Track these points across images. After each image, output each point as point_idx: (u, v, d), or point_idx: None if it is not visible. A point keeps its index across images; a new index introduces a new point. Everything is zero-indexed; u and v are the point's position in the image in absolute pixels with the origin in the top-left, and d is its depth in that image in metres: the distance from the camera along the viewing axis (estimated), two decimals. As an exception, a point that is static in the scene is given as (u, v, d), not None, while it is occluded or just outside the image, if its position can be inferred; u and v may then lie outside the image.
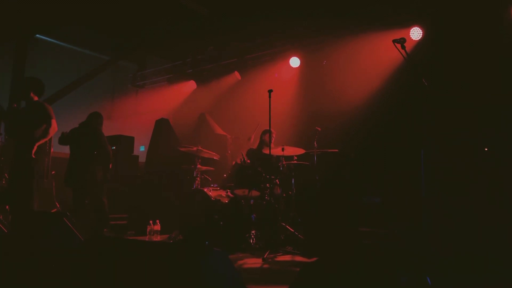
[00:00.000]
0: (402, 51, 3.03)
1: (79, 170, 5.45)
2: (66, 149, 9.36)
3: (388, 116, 5.91)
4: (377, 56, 6.34)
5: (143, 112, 10.35)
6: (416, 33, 6.13)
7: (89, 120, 5.76)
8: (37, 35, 9.30)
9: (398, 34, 6.19)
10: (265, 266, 3.77)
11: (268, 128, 4.96)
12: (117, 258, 2.56)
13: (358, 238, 3.91)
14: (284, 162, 5.48)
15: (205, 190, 5.35)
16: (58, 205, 7.48)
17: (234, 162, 5.92)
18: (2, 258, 3.19)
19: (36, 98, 4.85)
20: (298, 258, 4.15)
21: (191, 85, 9.32)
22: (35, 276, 2.89)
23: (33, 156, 4.54)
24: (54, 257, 2.92)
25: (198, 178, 5.85)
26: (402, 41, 3.05)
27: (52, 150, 7.03)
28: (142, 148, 9.80)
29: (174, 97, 9.59)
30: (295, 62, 7.54)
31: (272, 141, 5.59)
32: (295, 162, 5.49)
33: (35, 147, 4.58)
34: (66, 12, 8.07)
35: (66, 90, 9.34)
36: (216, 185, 5.78)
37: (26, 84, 4.87)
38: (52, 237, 3.14)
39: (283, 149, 5.26)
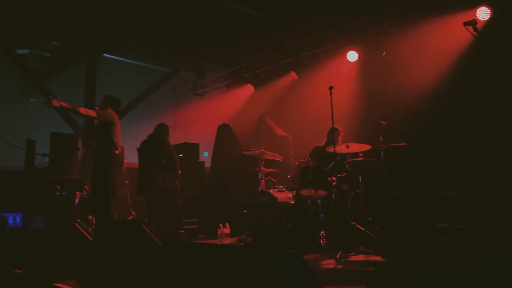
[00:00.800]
0: (475, 33, 2.83)
1: (151, 180, 5.75)
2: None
3: (460, 104, 5.55)
4: (441, 41, 5.98)
5: (205, 119, 10.66)
6: (483, 13, 5.69)
7: (156, 132, 6.07)
8: (104, 55, 9.95)
9: (463, 16, 5.82)
10: (339, 266, 3.70)
11: (337, 127, 4.87)
12: (193, 262, 2.65)
13: (435, 235, 3.71)
14: (349, 160, 5.35)
15: (271, 191, 5.37)
16: (134, 213, 7.92)
17: (297, 162, 5.89)
18: (89, 264, 3.44)
19: (112, 112, 5.19)
20: (373, 258, 4.02)
21: (249, 89, 9.44)
22: (119, 279, 3.07)
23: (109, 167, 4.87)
24: (135, 262, 3.09)
25: (263, 181, 5.89)
26: (473, 23, 2.84)
27: (125, 160, 7.48)
28: (206, 154, 10.09)
29: (234, 102, 9.76)
30: (352, 56, 7.35)
31: (339, 139, 5.49)
32: (361, 158, 5.34)
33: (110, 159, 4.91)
34: (127, 30, 8.57)
35: (133, 104, 9.90)
36: (281, 186, 5.79)
37: (103, 101, 5.23)
38: (132, 243, 3.32)
39: (347, 146, 5.14)
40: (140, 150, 6.12)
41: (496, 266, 2.16)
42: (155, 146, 5.99)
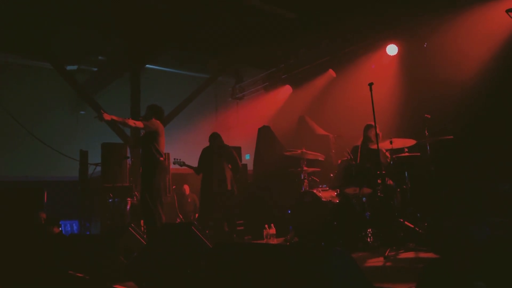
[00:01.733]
0: (518, 19, 2.72)
1: (219, 183, 6.11)
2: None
3: (506, 93, 5.30)
4: (484, 30, 5.73)
5: (245, 122, 10.80)
6: (531, -4, 5.41)
7: (218, 139, 6.43)
8: (147, 65, 10.35)
9: (506, 3, 5.54)
10: (388, 264, 3.65)
11: (372, 123, 4.81)
12: (243, 262, 2.73)
13: (488, 230, 3.55)
14: (394, 156, 5.26)
15: (315, 191, 5.38)
16: (181, 217, 8.18)
17: (339, 161, 5.86)
18: (145, 267, 3.61)
19: (156, 121, 5.41)
20: (423, 255, 3.93)
21: (287, 90, 9.47)
22: (173, 280, 3.21)
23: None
24: (186, 263, 3.22)
25: (306, 181, 5.91)
26: (518, 9, 2.73)
27: (170, 166, 7.74)
28: (247, 157, 10.23)
29: (273, 104, 9.83)
30: (392, 49, 7.19)
31: (380, 135, 5.39)
32: (406, 154, 5.22)
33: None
34: (165, 40, 8.87)
35: (176, 111, 10.20)
36: (325, 185, 5.78)
37: (148, 110, 5.46)
38: (183, 245, 3.45)
39: (391, 142, 5.05)
40: (204, 156, 6.46)
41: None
42: (223, 151, 6.47)
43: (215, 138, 6.58)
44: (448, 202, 4.89)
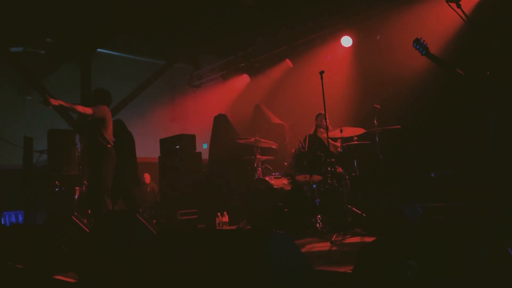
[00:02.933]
0: (459, 10, 2.81)
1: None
2: (139, 153, 9.98)
3: (451, 85, 5.53)
4: (435, 22, 5.93)
5: (202, 110, 10.66)
6: (476, -8, 5.65)
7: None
8: (99, 50, 9.92)
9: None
10: (334, 248, 3.73)
11: (322, 112, 4.87)
12: (187, 248, 2.68)
13: (420, 211, 3.70)
14: (344, 144, 5.36)
15: (267, 179, 5.40)
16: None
17: (293, 150, 5.91)
18: (87, 254, 3.48)
19: (105, 107, 5.21)
20: (368, 239, 4.05)
21: (244, 78, 9.42)
22: (117, 267, 3.11)
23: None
24: (131, 250, 3.13)
25: (260, 168, 5.92)
26: (456, 0, 2.82)
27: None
28: (205, 146, 10.11)
29: (230, 92, 9.76)
30: (347, 41, 7.31)
31: (325, 123, 5.48)
32: (355, 142, 5.34)
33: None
34: (119, 24, 8.53)
35: (130, 98, 9.90)
36: (278, 173, 5.81)
37: (94, 96, 5.24)
38: (127, 232, 3.36)
39: (341, 131, 5.14)
40: None
41: (484, 241, 2.17)
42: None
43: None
44: (392, 188, 5.06)
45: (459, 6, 2.81)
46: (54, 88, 9.22)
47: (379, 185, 5.19)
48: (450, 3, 2.83)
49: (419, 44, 3.22)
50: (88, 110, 4.96)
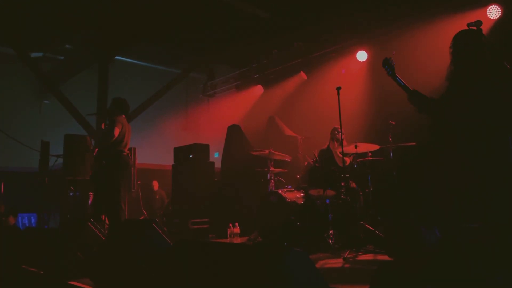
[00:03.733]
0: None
1: None
2: (150, 160, 10.04)
3: (468, 103, 5.51)
4: (450, 41, 5.94)
5: (215, 120, 10.74)
6: (494, 12, 5.67)
7: None
8: (117, 57, 10.10)
9: (474, 15, 5.78)
10: (346, 265, 3.73)
11: (337, 127, 4.89)
12: (202, 260, 2.71)
13: (438, 234, 3.67)
14: (358, 160, 5.37)
15: (280, 192, 5.42)
16: (145, 213, 8.04)
17: (306, 163, 5.93)
18: (103, 262, 3.52)
19: (123, 116, 5.29)
20: (381, 257, 4.04)
21: (258, 89, 9.50)
22: (132, 277, 3.15)
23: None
24: (146, 260, 3.17)
25: (272, 181, 5.94)
26: (478, 24, 2.85)
27: (137, 161, 7.60)
28: (216, 155, 10.18)
29: (244, 103, 9.82)
30: (362, 56, 7.34)
31: (340, 137, 5.50)
32: (370, 158, 5.35)
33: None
34: (136, 32, 8.69)
35: (144, 106, 10.02)
36: (290, 186, 5.82)
37: (113, 105, 5.33)
38: (143, 242, 3.39)
39: (356, 146, 5.15)
40: None
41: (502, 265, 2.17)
42: None
43: None
44: (406, 206, 5.03)
45: (480, 30, 2.84)
46: (71, 93, 9.41)
47: (391, 202, 5.17)
48: (470, 27, 2.86)
49: (387, 64, 3.31)
50: (116, 131, 5.08)
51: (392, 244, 3.25)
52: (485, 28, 3.00)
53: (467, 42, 2.96)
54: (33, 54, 9.69)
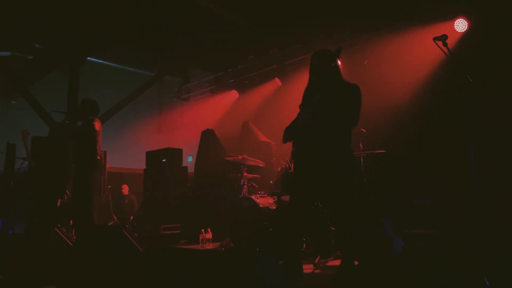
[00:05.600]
0: (444, 48, 2.96)
1: None
2: (121, 164, 9.84)
3: (435, 114, 5.72)
4: (421, 51, 6.16)
5: (189, 124, 10.68)
6: (461, 25, 5.90)
7: None
8: (88, 58, 9.89)
9: (441, 27, 6.01)
10: (316, 271, 3.78)
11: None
12: (173, 267, 2.69)
13: (402, 242, 3.80)
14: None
15: (253, 197, 5.44)
16: (115, 217, 7.88)
17: (280, 168, 5.97)
18: (70, 268, 3.44)
19: (91, 117, 5.20)
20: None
21: (233, 94, 9.52)
22: (100, 283, 3.09)
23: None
24: (116, 266, 3.11)
25: (246, 186, 5.96)
26: (443, 38, 2.97)
27: (107, 165, 7.45)
28: (190, 159, 10.12)
29: (218, 108, 9.82)
30: (335, 64, 7.48)
31: None
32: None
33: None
34: (111, 34, 8.56)
35: (117, 108, 9.86)
36: (263, 192, 5.86)
37: (82, 106, 5.24)
38: (113, 248, 3.33)
39: (328, 153, 5.23)
40: None
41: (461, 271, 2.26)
42: None
43: None
44: (374, 212, 5.16)
45: (445, 44, 2.96)
46: (40, 94, 9.14)
47: (362, 208, 5.27)
48: (437, 41, 2.98)
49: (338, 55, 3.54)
50: (96, 126, 5.01)
51: (359, 249, 3.33)
52: (451, 41, 3.13)
53: (323, 61, 3.41)
54: (0, 53, 9.37)
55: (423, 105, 5.93)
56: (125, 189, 9.32)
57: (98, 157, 5.07)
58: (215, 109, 9.89)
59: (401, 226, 3.83)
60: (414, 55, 6.28)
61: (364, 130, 5.57)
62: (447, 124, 5.48)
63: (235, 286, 2.29)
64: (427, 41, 5.99)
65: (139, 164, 8.32)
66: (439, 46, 2.96)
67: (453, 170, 4.90)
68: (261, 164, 6.06)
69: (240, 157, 5.83)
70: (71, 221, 5.97)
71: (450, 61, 2.97)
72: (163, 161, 7.24)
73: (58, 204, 6.63)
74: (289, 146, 6.76)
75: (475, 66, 4.59)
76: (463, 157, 4.36)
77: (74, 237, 4.99)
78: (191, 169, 8.55)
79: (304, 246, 4.69)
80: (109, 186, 7.77)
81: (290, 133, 3.40)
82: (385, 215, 4.91)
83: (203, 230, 5.99)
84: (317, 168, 3.15)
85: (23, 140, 5.94)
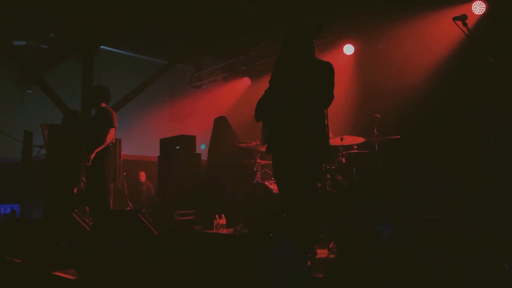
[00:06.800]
0: (464, 28, 2.88)
1: None
2: (136, 151, 9.92)
3: (453, 98, 5.61)
4: (438, 35, 6.03)
5: (202, 112, 10.70)
6: (478, 7, 5.75)
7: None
8: (102, 47, 9.93)
9: (459, 10, 5.86)
10: (331, 256, 3.78)
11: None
12: (189, 251, 2.72)
13: (391, 228, 3.75)
14: (344, 152, 5.42)
15: (266, 183, 5.44)
16: (131, 204, 7.98)
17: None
18: (87, 252, 3.51)
19: (104, 105, 5.24)
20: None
21: (245, 81, 9.47)
22: (116, 267, 3.14)
23: (89, 163, 4.90)
24: (132, 250, 3.16)
25: (259, 172, 5.96)
26: (463, 18, 2.89)
27: (122, 152, 7.52)
28: (203, 146, 10.15)
29: (230, 95, 9.80)
30: (349, 49, 7.38)
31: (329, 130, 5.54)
32: (355, 151, 5.41)
33: (94, 153, 4.93)
34: (122, 22, 8.56)
35: (130, 96, 9.91)
36: (276, 178, 5.85)
37: (94, 93, 5.28)
38: (129, 232, 3.38)
39: (342, 139, 5.20)
40: None
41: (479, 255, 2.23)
42: None
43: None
44: (387, 199, 5.11)
45: (465, 24, 2.88)
46: (55, 82, 9.24)
47: (374, 195, 5.24)
48: (456, 21, 2.90)
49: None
50: (113, 131, 5.06)
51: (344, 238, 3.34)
52: (470, 23, 3.04)
53: (299, 47, 3.18)
54: (16, 43, 9.47)
55: (437, 90, 5.82)
56: (143, 176, 9.42)
57: (111, 144, 5.12)
58: (227, 96, 9.87)
59: (416, 212, 3.79)
60: (429, 39, 6.15)
61: (379, 116, 5.51)
62: (464, 109, 5.38)
63: (249, 270, 2.30)
64: (445, 24, 5.86)
65: (154, 151, 8.38)
66: (458, 26, 2.88)
67: (469, 156, 4.83)
68: (274, 150, 6.04)
69: (253, 143, 5.82)
70: (87, 208, 6.07)
71: (470, 42, 2.89)
72: (176, 148, 7.27)
73: (75, 191, 6.75)
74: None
75: (493, 49, 4.46)
76: (480, 142, 4.29)
77: (91, 223, 5.08)
78: (204, 157, 8.59)
79: (318, 232, 4.69)
80: (124, 173, 7.87)
81: (262, 112, 3.26)
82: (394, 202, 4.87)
83: (217, 216, 6.03)
84: (290, 151, 3.08)
85: (42, 133, 6.16)
